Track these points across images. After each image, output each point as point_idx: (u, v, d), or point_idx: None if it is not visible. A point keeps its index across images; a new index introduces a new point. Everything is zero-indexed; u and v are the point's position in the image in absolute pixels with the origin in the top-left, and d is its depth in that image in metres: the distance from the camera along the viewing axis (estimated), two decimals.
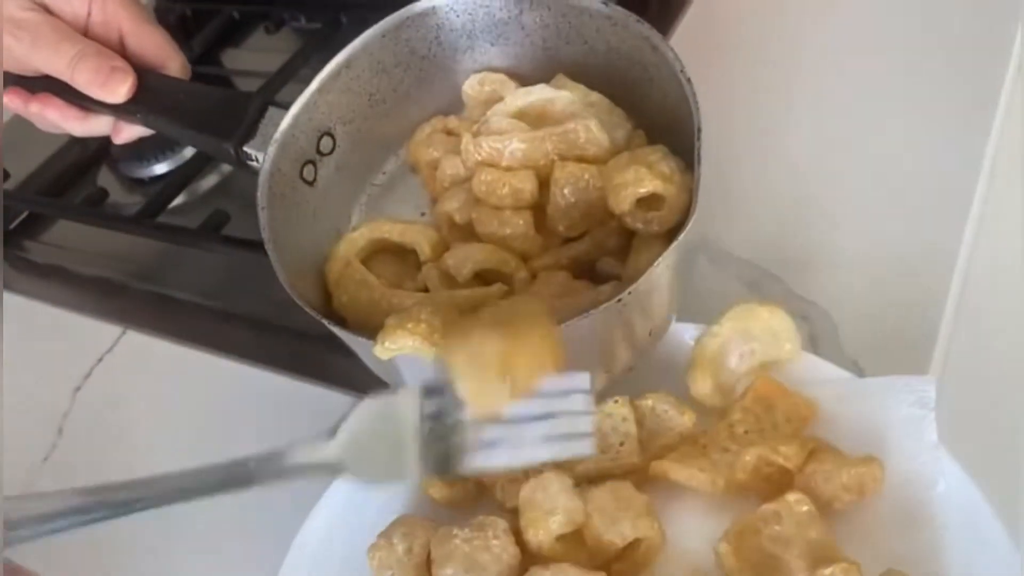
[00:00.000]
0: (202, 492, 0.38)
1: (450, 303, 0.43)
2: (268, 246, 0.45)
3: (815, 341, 0.50)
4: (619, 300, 0.40)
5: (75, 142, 0.78)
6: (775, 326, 0.46)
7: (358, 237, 0.49)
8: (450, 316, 0.41)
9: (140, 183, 0.75)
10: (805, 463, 0.42)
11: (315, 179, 0.51)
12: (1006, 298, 0.57)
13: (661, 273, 0.41)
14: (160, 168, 0.74)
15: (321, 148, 0.51)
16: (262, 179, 0.48)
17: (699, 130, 0.43)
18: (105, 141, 0.76)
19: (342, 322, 0.47)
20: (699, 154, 0.42)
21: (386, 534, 0.44)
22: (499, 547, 0.41)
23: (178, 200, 0.70)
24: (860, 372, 0.48)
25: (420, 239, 0.49)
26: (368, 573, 0.44)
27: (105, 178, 0.76)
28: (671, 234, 0.43)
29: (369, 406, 0.40)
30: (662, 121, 0.47)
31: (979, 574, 0.39)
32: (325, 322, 0.43)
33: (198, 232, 0.63)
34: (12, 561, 0.55)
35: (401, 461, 0.39)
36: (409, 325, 0.40)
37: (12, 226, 0.74)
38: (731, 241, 0.56)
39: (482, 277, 0.47)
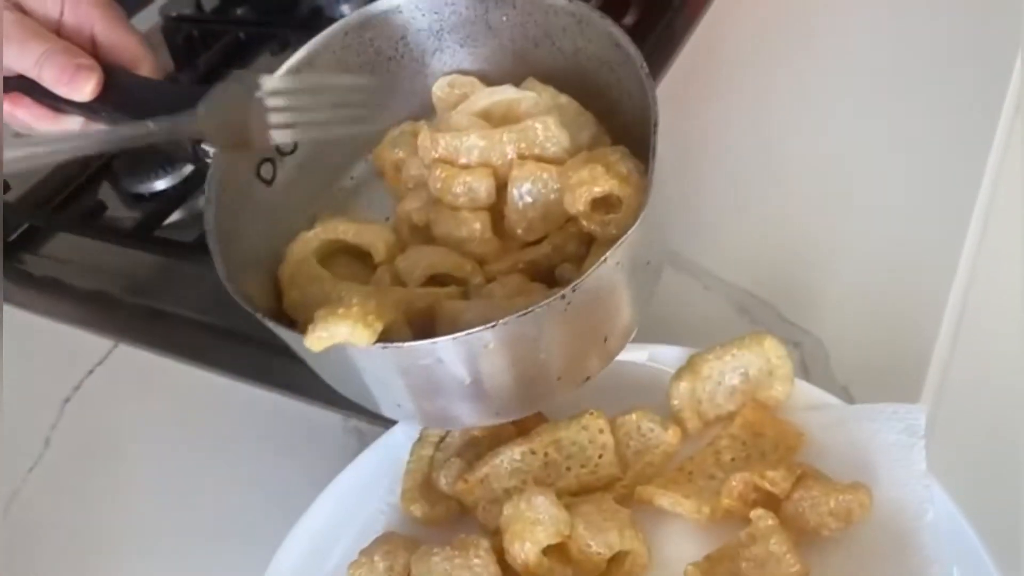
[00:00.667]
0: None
1: (401, 300, 0.42)
2: (210, 240, 0.44)
3: (806, 368, 0.50)
4: (563, 296, 0.38)
5: (77, 157, 0.78)
6: (773, 363, 0.45)
7: (312, 237, 0.48)
8: (386, 302, 0.40)
9: (139, 199, 0.75)
10: (792, 489, 0.41)
11: (273, 178, 0.50)
12: (1003, 327, 0.57)
13: (612, 272, 0.40)
14: (160, 184, 0.74)
15: (281, 147, 0.51)
16: (210, 173, 0.47)
17: (655, 124, 0.42)
18: (107, 157, 0.78)
19: (291, 324, 0.45)
20: (654, 148, 0.41)
21: (368, 552, 0.43)
22: (480, 566, 0.40)
23: (175, 216, 0.71)
24: (850, 399, 0.48)
25: (376, 240, 0.47)
26: None
27: (105, 193, 0.77)
28: None
29: (223, 87, 0.47)
30: (630, 124, 0.46)
31: None
32: (263, 320, 0.42)
33: (193, 246, 0.63)
34: None
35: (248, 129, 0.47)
36: (340, 311, 0.38)
37: (11, 238, 0.74)
38: (723, 266, 0.56)
39: (437, 281, 0.45)
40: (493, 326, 0.38)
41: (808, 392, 0.46)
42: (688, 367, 0.46)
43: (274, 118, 0.47)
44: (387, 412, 0.46)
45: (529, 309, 0.38)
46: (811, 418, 0.45)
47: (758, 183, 0.61)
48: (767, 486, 0.41)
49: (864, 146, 0.61)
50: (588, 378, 0.43)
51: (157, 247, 0.66)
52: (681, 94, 0.70)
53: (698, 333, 0.50)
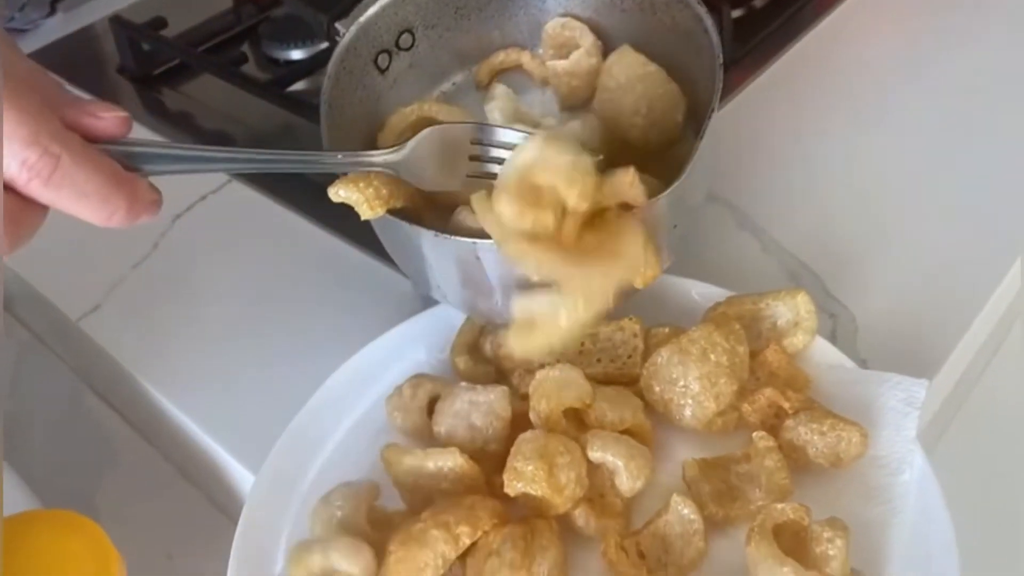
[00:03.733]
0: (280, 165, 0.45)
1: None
2: (323, 107, 0.51)
3: (835, 338, 0.54)
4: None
5: (231, 11, 0.86)
6: (801, 315, 0.50)
7: (409, 112, 0.54)
8: (402, 192, 0.46)
9: (275, 63, 0.82)
10: (798, 410, 0.46)
11: (388, 68, 0.56)
12: None
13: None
14: (296, 54, 0.82)
15: (400, 43, 0.57)
16: (336, 52, 0.53)
17: (712, 110, 0.47)
18: (257, 19, 0.86)
19: None
20: (704, 131, 0.46)
21: (399, 386, 0.50)
22: (499, 405, 0.46)
23: (302, 84, 0.78)
24: None
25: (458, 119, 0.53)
26: (383, 417, 0.50)
27: (246, 50, 0.84)
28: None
29: (432, 132, 0.47)
30: (701, 103, 0.50)
31: (917, 558, 0.43)
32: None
33: (314, 108, 0.69)
34: None
35: (450, 172, 0.48)
36: (361, 184, 0.45)
37: (158, 72, 0.83)
38: (785, 235, 0.60)
39: None
40: None
41: (828, 351, 0.50)
42: (726, 303, 0.51)
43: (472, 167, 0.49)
44: (423, 289, 0.52)
45: None
46: (823, 373, 0.49)
47: (833, 170, 0.65)
48: (787, 406, 0.46)
49: (939, 162, 0.65)
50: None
51: (284, 102, 0.73)
52: (787, 79, 0.74)
53: (747, 287, 0.54)
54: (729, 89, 0.74)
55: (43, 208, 0.36)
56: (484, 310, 0.50)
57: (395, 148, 0.47)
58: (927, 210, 0.61)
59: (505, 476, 0.44)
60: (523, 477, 0.43)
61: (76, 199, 0.36)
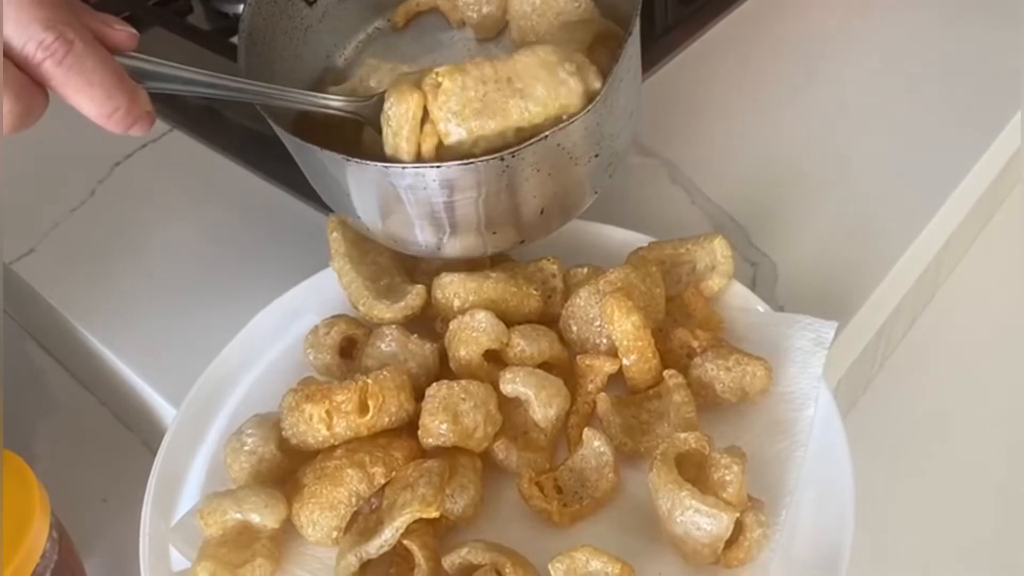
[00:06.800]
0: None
1: None
2: (240, 34, 0.50)
3: (755, 285, 0.56)
4: (502, 159, 0.42)
5: None
6: (718, 259, 0.51)
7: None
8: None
9: (223, 16, 0.82)
10: (706, 348, 0.47)
11: (315, 0, 0.55)
12: (959, 318, 0.63)
13: (552, 151, 0.43)
14: (242, 7, 0.81)
15: None
16: None
17: (629, 34, 0.46)
18: None
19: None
20: (622, 55, 0.45)
21: (315, 327, 0.51)
22: (431, 361, 0.47)
23: None
24: None
25: None
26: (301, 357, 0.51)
27: (196, 5, 0.84)
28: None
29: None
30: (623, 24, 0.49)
31: (817, 492, 0.44)
32: (272, 121, 0.46)
33: None
34: None
35: None
36: None
37: None
38: (714, 188, 0.62)
39: None
40: (438, 166, 0.42)
41: (744, 295, 0.51)
42: (647, 248, 0.52)
43: None
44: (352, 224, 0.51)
45: (469, 161, 0.42)
46: (738, 316, 0.50)
47: (765, 129, 0.67)
48: (695, 344, 0.47)
49: (863, 126, 0.66)
50: (522, 241, 0.48)
51: (228, 50, 0.73)
52: (728, 42, 0.75)
53: (675, 237, 0.55)
54: (671, 48, 0.75)
55: (45, 96, 0.38)
56: (409, 241, 0.48)
57: (368, 98, 0.46)
58: (850, 170, 0.63)
59: (419, 433, 0.44)
60: (431, 433, 0.44)
61: (84, 86, 0.38)
